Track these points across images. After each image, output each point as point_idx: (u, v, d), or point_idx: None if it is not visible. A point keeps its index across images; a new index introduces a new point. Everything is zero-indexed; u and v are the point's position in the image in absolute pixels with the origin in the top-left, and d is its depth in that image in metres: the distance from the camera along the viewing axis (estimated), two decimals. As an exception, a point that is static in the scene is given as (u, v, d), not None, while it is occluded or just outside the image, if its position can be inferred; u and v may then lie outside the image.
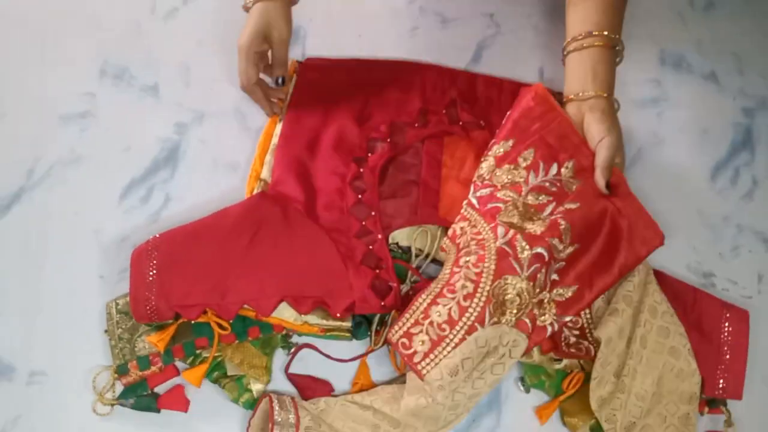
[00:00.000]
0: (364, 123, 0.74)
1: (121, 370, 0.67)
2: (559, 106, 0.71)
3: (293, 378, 0.69)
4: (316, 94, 0.76)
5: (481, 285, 0.64)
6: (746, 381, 0.69)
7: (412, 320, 0.65)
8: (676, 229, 0.76)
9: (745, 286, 0.76)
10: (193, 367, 0.67)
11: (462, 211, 0.70)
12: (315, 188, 0.72)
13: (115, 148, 0.76)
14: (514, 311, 0.64)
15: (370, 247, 0.69)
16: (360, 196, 0.72)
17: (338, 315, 0.67)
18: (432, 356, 0.64)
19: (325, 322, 0.68)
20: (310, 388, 0.68)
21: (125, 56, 0.80)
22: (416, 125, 0.75)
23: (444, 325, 0.64)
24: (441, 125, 0.75)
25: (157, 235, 0.67)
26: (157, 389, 0.68)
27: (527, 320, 0.65)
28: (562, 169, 0.69)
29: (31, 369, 0.68)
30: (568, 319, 0.66)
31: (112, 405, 0.67)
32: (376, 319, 0.69)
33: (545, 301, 0.66)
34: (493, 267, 0.65)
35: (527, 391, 0.70)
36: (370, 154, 0.74)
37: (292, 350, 0.69)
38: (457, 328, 0.64)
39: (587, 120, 0.69)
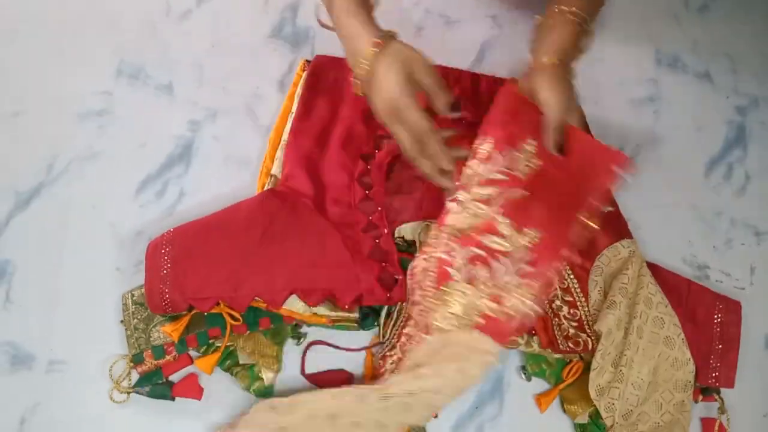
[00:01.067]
0: (371, 120, 0.74)
1: (136, 359, 0.68)
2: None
3: (311, 378, 0.69)
4: (325, 92, 0.77)
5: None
6: (739, 369, 0.70)
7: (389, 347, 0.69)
8: (671, 223, 0.77)
9: (738, 278, 0.77)
10: (206, 356, 0.68)
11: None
12: (324, 183, 0.72)
13: (131, 144, 0.77)
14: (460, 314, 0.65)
15: (377, 241, 0.70)
16: (367, 192, 0.72)
17: (346, 307, 0.68)
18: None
19: (333, 313, 0.69)
20: (330, 381, 0.69)
21: (141, 56, 0.81)
22: None
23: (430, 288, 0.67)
24: (445, 123, 0.76)
25: (171, 230, 0.68)
26: (171, 378, 0.68)
27: (481, 320, 0.65)
28: (519, 153, 0.66)
29: (50, 358, 0.69)
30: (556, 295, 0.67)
31: (128, 393, 0.68)
32: (384, 310, 0.70)
33: (509, 287, 0.65)
34: (434, 275, 0.66)
35: (528, 379, 0.71)
36: (377, 151, 0.74)
37: (303, 351, 0.70)
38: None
39: (536, 83, 0.65)
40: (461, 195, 0.66)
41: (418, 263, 0.68)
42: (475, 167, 0.66)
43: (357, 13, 0.62)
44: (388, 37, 0.62)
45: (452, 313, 0.65)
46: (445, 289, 0.66)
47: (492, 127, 0.67)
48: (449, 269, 0.65)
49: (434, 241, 0.67)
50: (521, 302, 0.64)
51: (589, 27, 0.67)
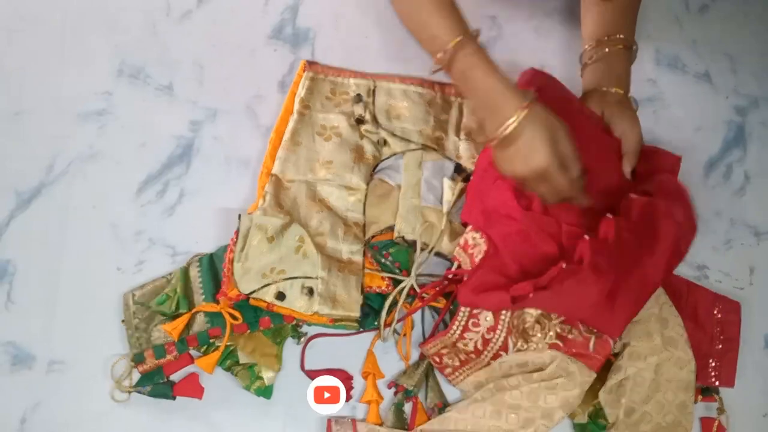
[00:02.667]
0: None
1: (137, 359, 0.68)
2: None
3: (311, 374, 0.70)
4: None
5: (502, 317, 0.67)
6: (738, 369, 0.70)
7: (441, 345, 0.69)
8: (671, 223, 0.78)
9: (738, 278, 0.77)
10: (207, 355, 0.68)
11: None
12: None
13: (132, 144, 0.78)
14: (538, 335, 0.66)
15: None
16: None
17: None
18: (461, 371, 0.70)
19: (334, 312, 0.69)
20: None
21: (141, 56, 0.81)
22: None
23: (471, 355, 0.68)
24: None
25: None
26: (172, 377, 0.69)
27: (558, 341, 0.66)
28: None
29: (51, 358, 0.69)
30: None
31: (129, 392, 0.68)
32: (384, 310, 0.70)
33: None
34: None
35: None
36: None
37: (302, 344, 0.70)
38: (483, 356, 0.68)
39: (609, 112, 0.70)
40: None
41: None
42: None
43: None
44: (533, 101, 0.62)
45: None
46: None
47: None
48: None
49: None
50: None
51: (636, 52, 0.72)
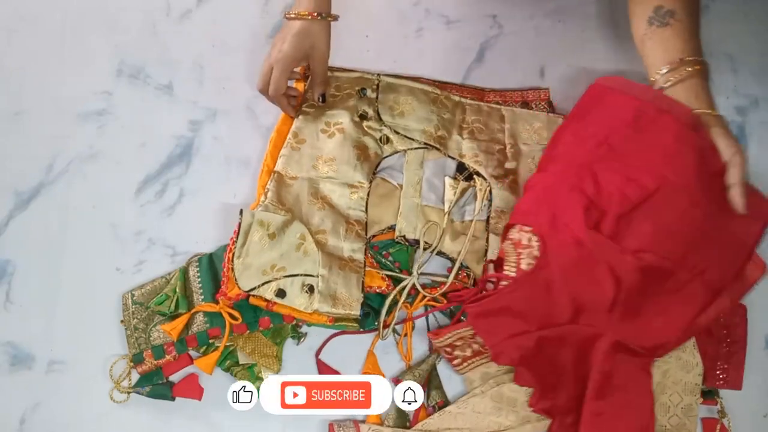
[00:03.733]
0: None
1: (136, 359, 0.68)
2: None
3: (321, 365, 0.71)
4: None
5: None
6: None
7: (456, 336, 0.68)
8: (671, 223, 0.78)
9: None
10: (206, 356, 0.69)
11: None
12: None
13: (132, 144, 0.78)
14: None
15: None
16: None
17: None
18: (471, 362, 0.69)
19: (334, 310, 0.69)
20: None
21: (141, 56, 0.81)
22: None
23: (485, 347, 0.67)
24: None
25: None
26: (171, 378, 0.69)
27: None
28: None
29: (50, 358, 0.70)
30: None
31: (129, 393, 0.68)
32: (384, 310, 0.71)
33: None
34: None
35: None
36: None
37: (327, 338, 0.72)
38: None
39: (713, 133, 0.66)
40: None
41: None
42: None
43: None
44: (325, 16, 0.72)
45: None
46: None
47: None
48: None
49: None
50: None
51: (709, 71, 0.69)
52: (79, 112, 0.79)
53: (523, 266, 0.64)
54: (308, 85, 0.77)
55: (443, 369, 0.71)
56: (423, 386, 0.70)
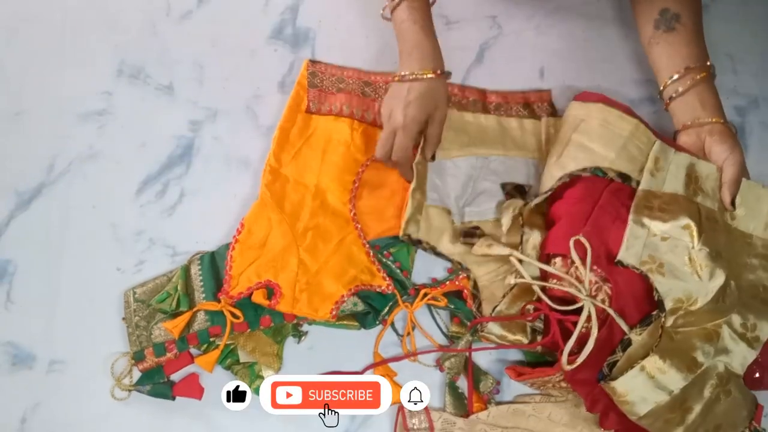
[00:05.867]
0: None
1: (137, 357, 0.68)
2: None
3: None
4: None
5: None
6: None
7: (539, 382, 0.68)
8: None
9: None
10: (206, 354, 0.69)
11: None
12: None
13: (132, 144, 0.78)
14: None
15: None
16: None
17: None
18: (553, 389, 0.69)
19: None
20: None
21: (141, 56, 0.81)
22: None
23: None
24: None
25: None
26: (172, 377, 0.69)
27: None
28: None
29: (51, 358, 0.70)
30: None
31: (129, 390, 0.68)
32: (386, 308, 0.71)
33: None
34: None
35: None
36: None
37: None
38: None
39: (708, 143, 0.70)
40: None
41: None
42: None
43: (431, 31, 0.71)
44: (444, 74, 0.71)
45: None
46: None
47: None
48: None
49: None
50: None
51: (714, 70, 0.72)
52: (79, 112, 0.78)
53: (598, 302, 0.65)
54: (422, 145, 0.73)
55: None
56: (466, 370, 0.70)
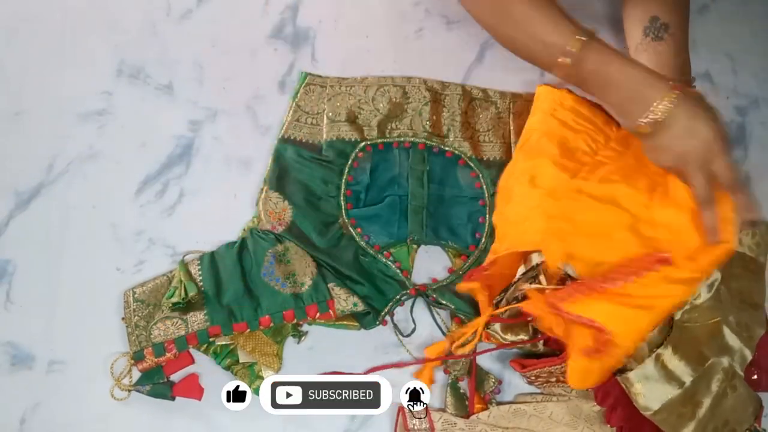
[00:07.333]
0: None
1: (137, 357, 0.68)
2: None
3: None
4: None
5: None
6: None
7: (545, 373, 0.68)
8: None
9: None
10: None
11: None
12: None
13: (132, 144, 0.78)
14: None
15: None
16: None
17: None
18: (553, 384, 0.69)
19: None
20: None
21: (141, 56, 0.81)
22: None
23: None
24: None
25: None
26: (172, 377, 0.69)
27: None
28: None
29: (50, 358, 0.70)
30: None
31: (129, 390, 0.68)
32: (387, 308, 0.71)
33: None
34: None
35: None
36: None
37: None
38: None
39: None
40: None
41: None
42: None
43: (632, 60, 0.62)
44: (683, 83, 0.62)
45: None
46: None
47: None
48: None
49: None
50: None
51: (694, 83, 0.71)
52: (79, 112, 0.78)
53: None
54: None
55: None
56: (469, 372, 0.70)
